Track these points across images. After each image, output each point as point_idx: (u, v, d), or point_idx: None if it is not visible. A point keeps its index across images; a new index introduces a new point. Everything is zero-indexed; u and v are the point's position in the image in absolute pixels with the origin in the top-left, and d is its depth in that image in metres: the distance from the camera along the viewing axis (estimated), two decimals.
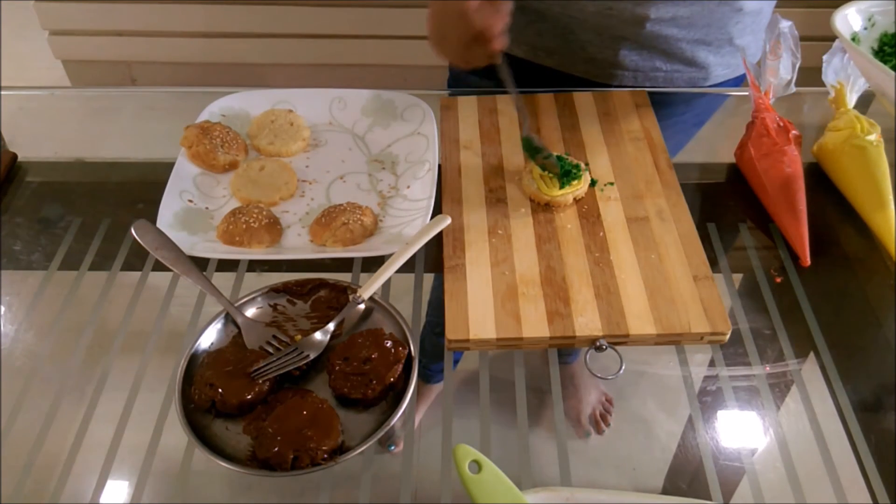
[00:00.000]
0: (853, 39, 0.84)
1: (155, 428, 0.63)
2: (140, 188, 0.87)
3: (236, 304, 0.69)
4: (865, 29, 0.86)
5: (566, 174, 0.76)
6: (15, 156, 0.90)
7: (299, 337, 0.67)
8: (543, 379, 0.69)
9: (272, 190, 0.81)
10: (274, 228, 0.76)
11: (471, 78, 1.04)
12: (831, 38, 0.82)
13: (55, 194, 0.87)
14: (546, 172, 0.77)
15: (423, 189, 0.79)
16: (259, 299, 0.71)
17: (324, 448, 0.58)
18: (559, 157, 0.78)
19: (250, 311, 0.70)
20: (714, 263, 0.72)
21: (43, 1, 2.22)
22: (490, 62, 0.78)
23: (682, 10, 0.85)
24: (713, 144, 1.01)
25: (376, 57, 2.31)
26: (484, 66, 0.78)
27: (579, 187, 0.77)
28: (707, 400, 0.66)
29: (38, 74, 2.50)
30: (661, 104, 0.90)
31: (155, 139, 0.96)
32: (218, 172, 0.84)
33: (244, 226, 0.74)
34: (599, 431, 1.39)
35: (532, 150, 0.79)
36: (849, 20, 0.85)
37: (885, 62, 0.82)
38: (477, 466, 0.55)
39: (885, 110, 0.89)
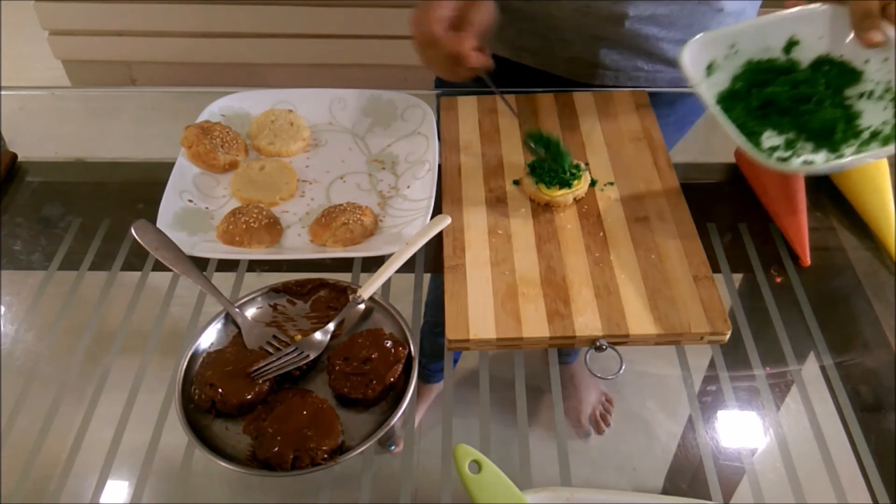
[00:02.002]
0: (710, 68, 0.78)
1: (155, 428, 0.63)
2: (140, 188, 0.87)
3: (236, 304, 0.69)
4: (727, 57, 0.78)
5: (564, 182, 0.76)
6: (15, 156, 0.90)
7: (299, 337, 0.67)
8: (543, 379, 0.69)
9: (272, 190, 0.81)
10: (274, 228, 0.76)
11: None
12: None
13: (55, 194, 0.87)
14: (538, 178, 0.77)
15: (423, 189, 0.79)
16: (259, 299, 0.71)
17: (324, 448, 0.58)
18: (561, 155, 0.78)
19: (250, 311, 0.70)
20: (714, 263, 0.72)
21: (43, 1, 2.22)
22: (476, 75, 0.78)
23: (661, 8, 0.85)
24: (713, 144, 1.01)
25: (376, 57, 2.31)
26: (472, 78, 0.78)
27: (579, 187, 0.77)
28: (707, 400, 0.66)
29: (38, 74, 2.50)
30: None
31: (155, 139, 0.96)
32: (218, 172, 0.84)
33: (244, 226, 0.74)
34: (599, 431, 1.39)
35: (532, 149, 0.79)
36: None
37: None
38: (477, 466, 0.55)
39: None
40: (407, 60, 2.26)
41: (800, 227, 0.77)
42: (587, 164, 0.81)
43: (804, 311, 0.71)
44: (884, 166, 0.81)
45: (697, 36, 0.76)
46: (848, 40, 0.75)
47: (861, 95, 0.76)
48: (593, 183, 0.79)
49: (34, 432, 0.63)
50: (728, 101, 0.78)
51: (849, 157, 0.72)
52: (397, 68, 2.30)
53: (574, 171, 0.77)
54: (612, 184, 0.80)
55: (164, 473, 0.62)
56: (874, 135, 0.73)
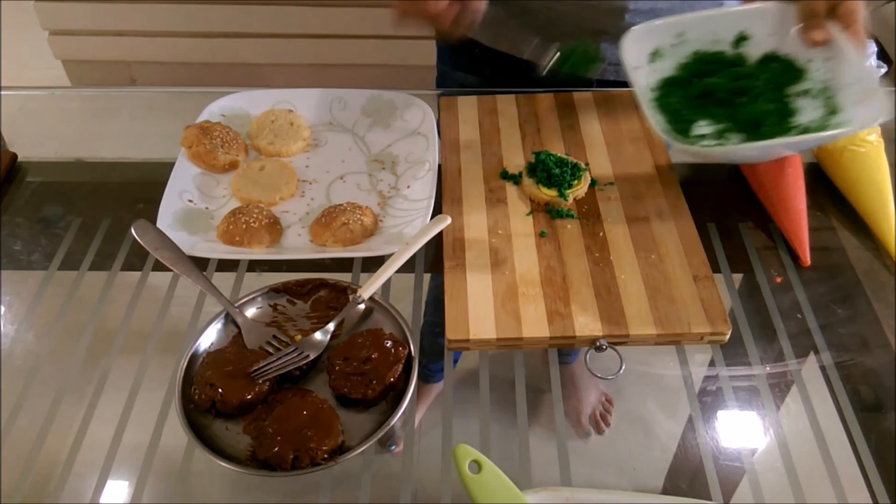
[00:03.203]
0: (654, 54, 0.80)
1: (155, 428, 0.63)
2: (140, 188, 0.87)
3: (236, 304, 0.69)
4: (673, 46, 0.80)
5: (559, 183, 0.76)
6: (15, 156, 0.90)
7: (299, 337, 0.67)
8: (543, 379, 0.69)
9: (272, 190, 0.81)
10: (274, 228, 0.76)
11: (457, 74, 1.04)
12: None
13: (55, 194, 0.87)
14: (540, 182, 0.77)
15: (423, 189, 0.79)
16: (259, 299, 0.71)
17: (324, 448, 0.58)
18: (556, 160, 0.78)
19: (250, 311, 0.70)
20: (714, 263, 0.72)
21: (43, 1, 2.22)
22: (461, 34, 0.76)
23: (662, 3, 0.85)
24: None
25: (376, 57, 2.31)
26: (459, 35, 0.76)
27: (579, 187, 0.77)
28: (707, 400, 0.66)
29: (38, 74, 2.50)
30: None
31: (155, 139, 0.96)
32: (218, 172, 0.84)
33: (244, 226, 0.74)
34: (599, 431, 1.39)
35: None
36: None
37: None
38: (477, 466, 0.55)
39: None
40: (407, 60, 2.27)
41: (800, 227, 0.77)
42: (587, 164, 0.81)
43: (804, 311, 0.71)
44: (884, 166, 0.81)
45: (644, 22, 0.78)
46: (795, 38, 0.76)
47: (800, 94, 0.76)
48: (593, 183, 0.79)
49: (34, 432, 0.63)
50: (668, 87, 0.80)
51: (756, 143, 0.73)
52: (397, 68, 2.30)
53: (574, 170, 0.77)
54: (612, 184, 0.79)
55: (164, 473, 0.62)
56: (802, 132, 0.74)
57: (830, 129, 0.72)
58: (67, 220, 0.82)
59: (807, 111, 0.76)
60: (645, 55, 0.79)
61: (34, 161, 0.91)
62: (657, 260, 0.71)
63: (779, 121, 0.75)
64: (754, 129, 0.75)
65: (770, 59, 0.79)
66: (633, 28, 0.77)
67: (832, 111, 0.74)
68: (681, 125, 0.77)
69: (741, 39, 0.80)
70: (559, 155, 0.79)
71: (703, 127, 0.77)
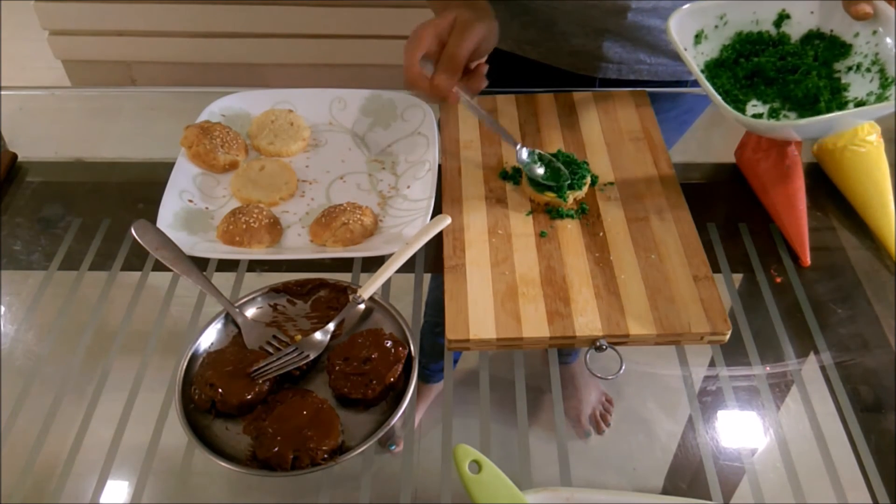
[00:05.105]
0: (697, 37, 0.81)
1: (155, 428, 0.63)
2: (140, 188, 0.87)
3: (236, 304, 0.69)
4: (716, 27, 0.81)
5: (562, 185, 0.76)
6: (15, 156, 0.90)
7: (299, 337, 0.67)
8: (543, 379, 0.69)
9: (272, 190, 0.81)
10: (274, 228, 0.76)
11: None
12: None
13: (55, 194, 0.87)
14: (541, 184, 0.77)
15: (423, 189, 0.79)
16: (259, 299, 0.71)
17: (324, 448, 0.58)
18: (562, 159, 0.78)
19: (250, 311, 0.70)
20: (714, 263, 0.72)
21: (43, 1, 2.22)
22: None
23: (664, 2, 0.86)
24: (713, 144, 1.01)
25: (376, 57, 2.31)
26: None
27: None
28: (707, 400, 0.66)
29: (38, 74, 2.50)
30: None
31: (155, 139, 0.96)
32: (218, 172, 0.84)
33: (244, 226, 0.74)
34: (599, 431, 1.39)
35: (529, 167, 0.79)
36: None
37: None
38: (477, 466, 0.55)
39: None
40: None
41: (800, 227, 0.77)
42: (587, 165, 0.81)
43: (804, 311, 0.71)
44: (884, 166, 0.81)
45: (686, 5, 0.78)
46: (838, 14, 0.77)
47: (850, 69, 0.77)
48: (594, 183, 0.79)
49: (34, 432, 0.63)
50: (715, 69, 0.81)
51: (826, 115, 0.72)
52: (397, 68, 2.28)
53: (582, 171, 0.77)
54: (612, 184, 0.79)
55: (164, 473, 0.62)
56: (858, 105, 0.74)
57: (891, 99, 0.71)
58: (67, 220, 0.82)
59: (858, 85, 0.76)
60: (690, 38, 0.80)
61: (34, 161, 0.91)
62: (657, 260, 0.71)
63: (833, 96, 0.76)
64: (810, 106, 0.76)
65: (814, 37, 0.79)
66: (677, 10, 0.77)
67: (887, 82, 0.74)
68: (734, 106, 0.77)
69: (782, 18, 0.80)
70: (565, 152, 0.79)
71: (755, 107, 0.78)
